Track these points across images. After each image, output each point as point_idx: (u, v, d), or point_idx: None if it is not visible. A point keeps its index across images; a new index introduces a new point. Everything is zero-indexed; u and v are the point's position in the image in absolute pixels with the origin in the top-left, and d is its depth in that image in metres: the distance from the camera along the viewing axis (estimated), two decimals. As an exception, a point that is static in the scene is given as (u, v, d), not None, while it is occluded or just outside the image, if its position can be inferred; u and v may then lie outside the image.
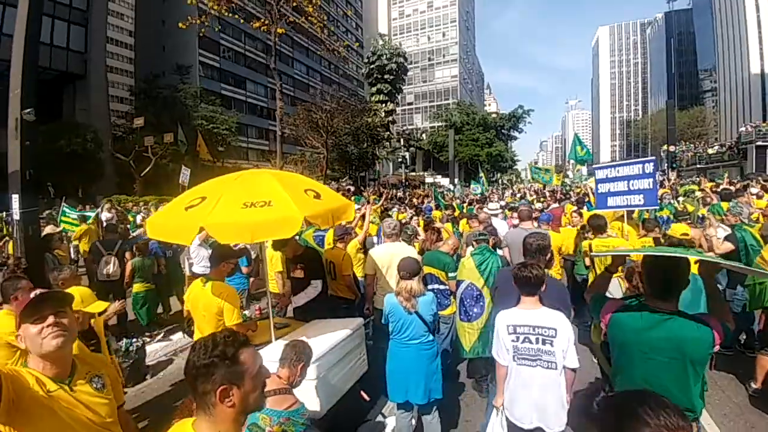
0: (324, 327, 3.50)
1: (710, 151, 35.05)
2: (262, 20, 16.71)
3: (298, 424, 2.08)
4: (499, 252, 4.91)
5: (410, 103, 71.50)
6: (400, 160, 32.86)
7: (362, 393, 3.56)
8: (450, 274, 4.38)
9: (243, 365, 1.13)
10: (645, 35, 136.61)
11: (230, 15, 16.25)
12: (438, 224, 6.53)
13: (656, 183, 5.94)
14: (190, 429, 1.12)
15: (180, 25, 16.18)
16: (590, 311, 2.31)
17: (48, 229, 6.64)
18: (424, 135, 50.20)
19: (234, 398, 1.10)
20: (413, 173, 32.66)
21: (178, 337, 5.91)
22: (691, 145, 38.77)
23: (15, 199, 5.18)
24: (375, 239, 6.40)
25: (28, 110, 5.25)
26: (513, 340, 2.44)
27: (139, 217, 11.26)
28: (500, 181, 39.75)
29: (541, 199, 14.15)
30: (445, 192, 20.94)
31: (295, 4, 15.97)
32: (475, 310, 4.13)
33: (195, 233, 2.44)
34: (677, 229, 5.69)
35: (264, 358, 2.90)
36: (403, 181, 28.80)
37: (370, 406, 3.69)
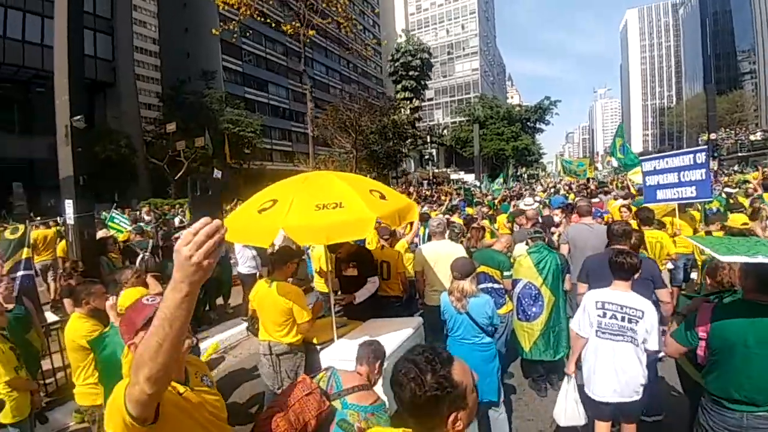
0: (386, 326, 3.44)
1: (752, 137, 33.08)
2: (294, 24, 16.84)
3: (382, 420, 2.07)
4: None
5: (430, 99, 70.60)
6: (426, 156, 32.63)
7: None
8: (505, 273, 4.27)
9: (461, 385, 1.06)
10: (677, 16, 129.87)
11: (260, 20, 16.44)
12: (483, 222, 6.35)
13: (709, 173, 5.60)
14: None
15: (213, 31, 16.51)
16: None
17: (101, 233, 6.82)
18: (445, 131, 49.55)
19: (462, 420, 1.05)
20: (437, 170, 32.36)
21: (228, 335, 5.96)
22: (732, 132, 36.65)
23: (69, 204, 5.32)
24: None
25: (78, 117, 5.37)
26: (599, 315, 2.63)
27: (177, 220, 11.53)
28: (523, 176, 38.72)
29: (570, 195, 13.53)
30: (472, 188, 20.52)
31: (324, 5, 16.02)
32: (534, 309, 4.05)
33: (275, 235, 2.44)
34: (737, 219, 5.49)
35: (330, 356, 2.87)
36: (430, 178, 28.53)
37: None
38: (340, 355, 2.47)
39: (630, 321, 2.53)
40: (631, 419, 2.67)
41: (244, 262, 6.17)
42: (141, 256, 5.43)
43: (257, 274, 6.31)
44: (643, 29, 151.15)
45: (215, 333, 6.11)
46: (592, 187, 12.96)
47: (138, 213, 15.31)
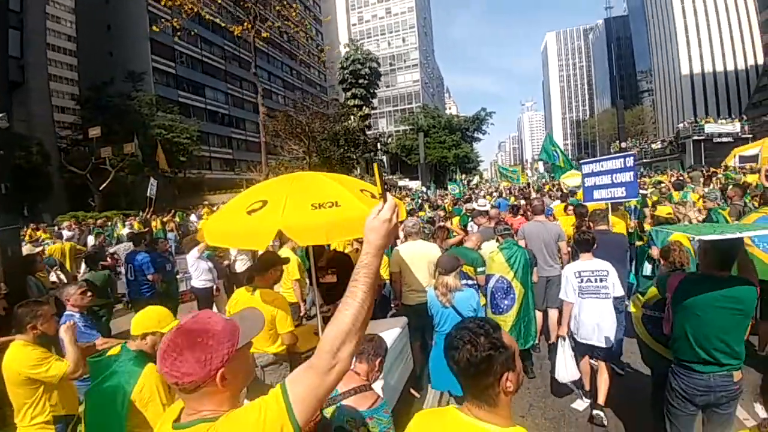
0: (373, 327, 3.34)
1: (654, 146, 38.02)
2: (245, 24, 16.06)
3: (382, 423, 1.97)
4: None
5: (374, 108, 71.94)
6: (377, 163, 32.99)
7: (412, 390, 3.66)
8: (479, 269, 4.46)
9: (511, 348, 1.13)
10: (588, 40, 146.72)
11: (206, 18, 15.45)
12: (447, 223, 6.55)
13: (636, 175, 6.32)
14: (472, 423, 1.11)
15: (153, 28, 15.19)
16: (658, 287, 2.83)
17: (26, 250, 5.86)
18: (390, 139, 50.60)
19: (512, 382, 1.11)
20: (386, 177, 32.90)
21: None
22: (637, 141, 41.82)
23: (-15, 215, 4.52)
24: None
25: (1, 115, 4.62)
26: (579, 282, 3.46)
27: (125, 231, 10.34)
28: (464, 181, 40.89)
29: (511, 197, 14.58)
30: (419, 194, 21.21)
31: (278, 7, 15.51)
32: (506, 302, 4.26)
33: (271, 237, 2.26)
34: (662, 210, 6.16)
35: None
36: (381, 185, 28.73)
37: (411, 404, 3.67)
38: None
39: (600, 280, 3.42)
40: (604, 357, 3.49)
41: (198, 275, 5.68)
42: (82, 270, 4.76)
43: (214, 288, 5.86)
44: (560, 51, 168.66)
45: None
46: (531, 190, 14.02)
47: (56, 228, 13.48)
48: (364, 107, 30.73)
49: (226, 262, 6.19)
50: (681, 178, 13.71)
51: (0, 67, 4.84)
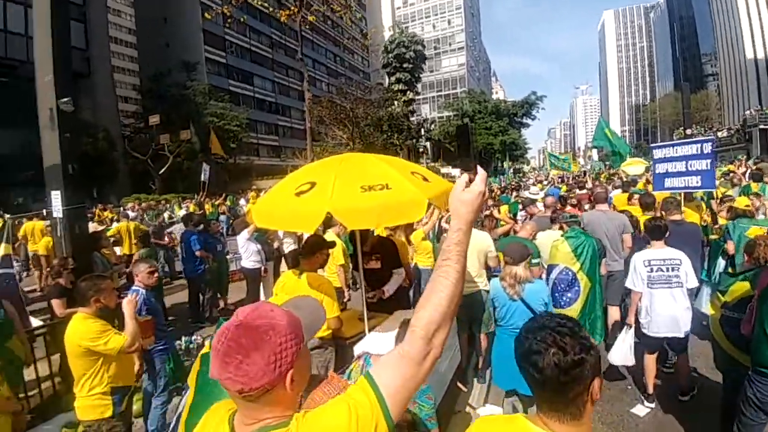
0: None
1: (720, 134, 34.57)
2: (293, 8, 16.22)
3: (425, 409, 1.90)
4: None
5: (418, 93, 70.74)
6: (421, 149, 32.47)
7: (459, 384, 3.60)
8: (533, 261, 4.11)
9: (596, 347, 0.98)
10: (649, 19, 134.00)
11: (258, 4, 15.72)
12: (494, 212, 6.21)
13: (714, 164, 5.69)
14: None
15: (206, 15, 15.61)
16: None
17: (92, 227, 6.31)
18: (432, 125, 49.48)
19: (599, 389, 0.95)
20: (429, 164, 32.30)
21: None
22: (702, 129, 37.98)
23: (56, 196, 4.83)
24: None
25: (66, 99, 4.87)
26: (648, 271, 3.33)
27: (165, 215, 10.99)
28: (509, 170, 39.41)
29: (562, 187, 13.75)
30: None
31: None
32: (568, 295, 3.97)
33: (320, 220, 2.16)
34: (741, 202, 5.83)
35: (363, 350, 2.63)
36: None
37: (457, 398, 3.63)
38: (374, 348, 2.29)
39: (672, 269, 3.27)
40: (681, 350, 3.41)
41: (248, 257, 5.83)
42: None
43: (262, 269, 6.01)
44: (619, 30, 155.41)
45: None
46: (587, 178, 13.07)
47: (122, 209, 14.61)
48: (408, 92, 29.72)
49: (276, 244, 6.30)
50: (757, 168, 12.33)
51: (64, 55, 5.25)
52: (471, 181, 1.00)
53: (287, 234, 6.35)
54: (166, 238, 7.87)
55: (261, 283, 6.05)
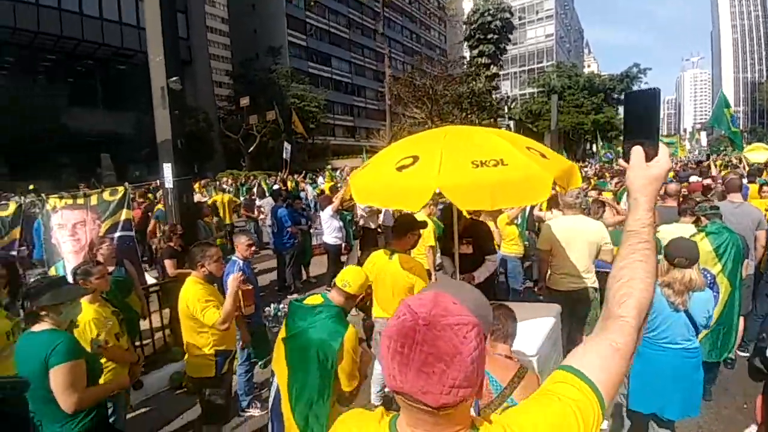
0: (520, 312, 2.82)
1: None
2: None
3: None
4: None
5: (502, 67, 66.15)
6: (503, 128, 30.60)
7: None
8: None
9: None
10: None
11: None
12: (604, 197, 5.45)
13: None
14: None
15: None
16: None
17: (197, 198, 6.95)
18: (513, 104, 46.11)
19: None
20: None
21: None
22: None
23: (167, 168, 5.28)
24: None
25: (175, 78, 5.23)
26: None
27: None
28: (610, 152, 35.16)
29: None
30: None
31: None
32: None
33: (427, 197, 1.93)
34: None
35: None
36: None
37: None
38: None
39: None
40: None
41: (330, 233, 5.93)
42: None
43: (343, 245, 6.10)
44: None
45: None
46: (711, 164, 10.96)
47: (218, 183, 16.10)
48: (491, 66, 27.20)
49: (362, 222, 6.35)
50: None
51: (171, 38, 5.78)
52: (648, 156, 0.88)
53: (371, 212, 6.34)
54: (256, 212, 8.41)
55: (340, 259, 6.18)
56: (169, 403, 3.66)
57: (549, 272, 3.60)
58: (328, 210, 5.83)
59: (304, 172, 18.98)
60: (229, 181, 14.94)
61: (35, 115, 22.55)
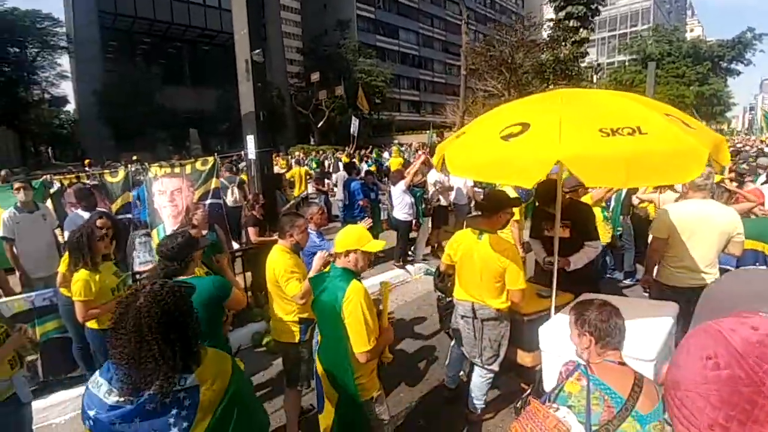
0: (632, 308, 2.45)
1: None
2: None
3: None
4: None
5: (593, 30, 59.01)
6: None
7: None
8: None
9: None
10: None
11: None
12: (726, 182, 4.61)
13: None
14: None
15: None
16: None
17: (276, 169, 7.28)
18: (601, 73, 41.11)
19: None
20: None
21: (382, 279, 5.83)
22: None
23: (251, 139, 5.50)
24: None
25: (258, 51, 5.35)
26: None
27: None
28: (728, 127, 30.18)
29: None
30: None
31: None
32: None
33: (546, 170, 1.69)
34: None
35: (550, 336, 2.10)
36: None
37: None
38: (563, 338, 1.77)
39: None
40: None
41: (401, 209, 5.82)
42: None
43: (413, 222, 5.98)
44: None
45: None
46: None
47: (290, 157, 16.84)
48: (581, 29, 23.60)
49: (436, 199, 6.18)
50: None
51: (254, 13, 6.03)
52: None
53: (443, 189, 6.11)
54: (326, 185, 8.61)
55: (410, 235, 6.09)
56: (249, 360, 3.90)
57: (660, 265, 3.13)
58: (400, 185, 5.70)
59: (370, 147, 19.08)
60: (301, 155, 15.56)
61: (136, 94, 25.34)
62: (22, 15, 25.05)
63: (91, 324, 2.81)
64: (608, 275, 5.46)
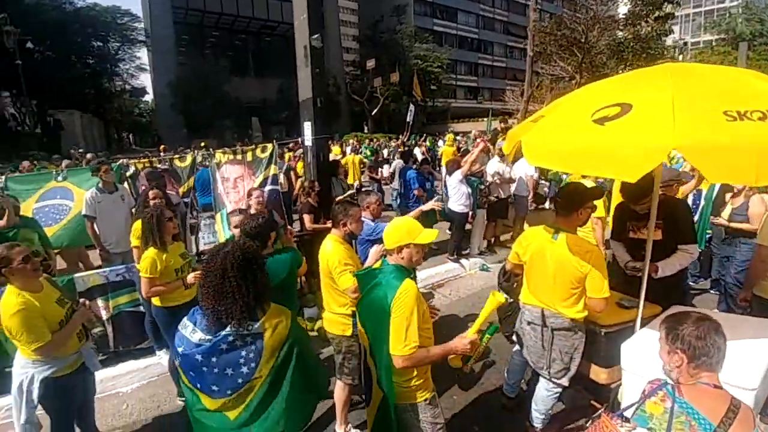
0: (737, 326, 2.07)
1: None
2: None
3: None
4: None
5: (679, 5, 52.29)
6: None
7: None
8: None
9: None
10: None
11: None
12: None
13: None
14: None
15: None
16: None
17: (331, 156, 7.31)
18: (682, 54, 36.71)
19: None
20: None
21: (434, 272, 5.66)
22: None
23: (308, 126, 5.50)
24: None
25: (316, 36, 5.29)
26: None
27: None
28: None
29: None
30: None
31: None
32: None
33: (658, 160, 1.37)
34: None
35: (634, 354, 1.82)
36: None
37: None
38: (649, 355, 1.56)
39: None
40: None
41: (457, 200, 5.54)
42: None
43: (469, 214, 5.68)
44: None
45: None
46: None
47: (343, 144, 17.01)
48: (665, 3, 20.44)
49: (492, 191, 5.84)
50: None
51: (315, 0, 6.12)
52: None
53: (502, 180, 5.72)
54: (380, 173, 8.51)
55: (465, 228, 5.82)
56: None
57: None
58: (457, 175, 5.41)
59: (424, 135, 18.69)
60: (355, 143, 15.65)
61: (206, 87, 27.09)
62: (103, 11, 27.63)
63: (156, 301, 2.94)
64: (692, 282, 4.81)
